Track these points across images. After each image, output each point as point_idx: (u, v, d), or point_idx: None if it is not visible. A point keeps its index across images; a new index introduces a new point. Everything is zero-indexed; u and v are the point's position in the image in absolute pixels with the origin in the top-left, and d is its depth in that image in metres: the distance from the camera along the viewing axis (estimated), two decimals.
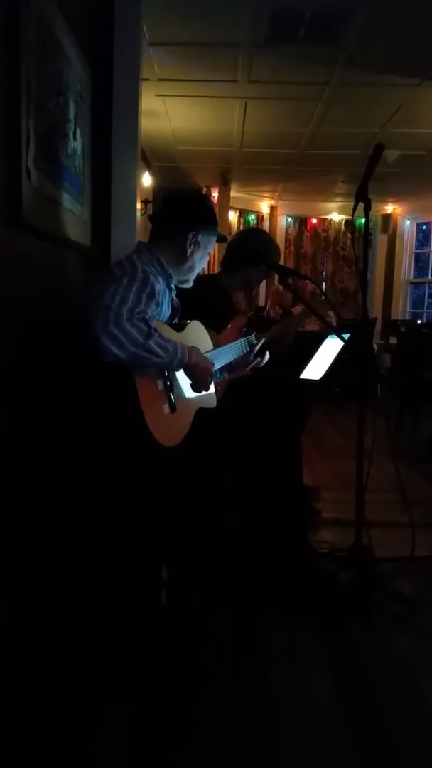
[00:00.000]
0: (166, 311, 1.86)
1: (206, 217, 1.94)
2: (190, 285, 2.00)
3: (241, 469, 2.19)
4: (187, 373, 1.78)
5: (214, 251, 2.50)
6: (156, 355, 1.55)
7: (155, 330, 1.56)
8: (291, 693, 1.58)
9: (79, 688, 1.53)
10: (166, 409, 1.67)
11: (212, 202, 2.07)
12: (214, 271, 4.56)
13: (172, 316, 1.93)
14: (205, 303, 2.14)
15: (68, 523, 1.95)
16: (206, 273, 2.11)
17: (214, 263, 5.90)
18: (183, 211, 1.92)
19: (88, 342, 1.49)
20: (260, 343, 2.31)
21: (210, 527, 1.99)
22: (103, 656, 1.66)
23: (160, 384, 1.66)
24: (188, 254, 1.89)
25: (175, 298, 1.94)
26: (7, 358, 1.64)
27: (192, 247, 1.89)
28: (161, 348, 1.56)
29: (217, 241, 2.02)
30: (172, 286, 1.92)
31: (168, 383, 1.69)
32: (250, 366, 2.30)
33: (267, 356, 2.35)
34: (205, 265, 2.02)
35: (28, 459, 1.80)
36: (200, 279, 2.03)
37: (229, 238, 2.61)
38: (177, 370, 1.74)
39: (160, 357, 1.57)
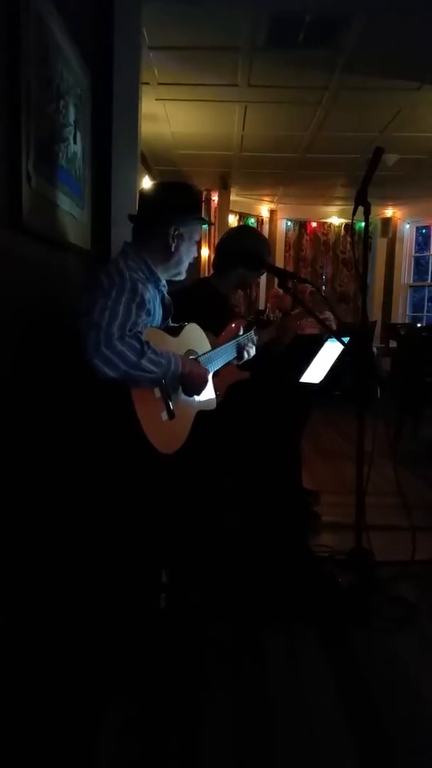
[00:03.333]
0: (158, 317, 1.84)
1: (185, 207, 1.86)
2: (183, 276, 1.95)
3: (240, 472, 2.19)
4: (182, 382, 1.75)
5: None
6: (149, 372, 1.53)
7: (148, 346, 1.53)
8: (291, 696, 1.57)
9: (78, 691, 1.53)
10: (164, 416, 1.65)
11: (192, 188, 2.00)
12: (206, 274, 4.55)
13: (164, 317, 1.91)
14: (200, 307, 2.13)
15: (68, 529, 1.94)
16: (199, 276, 2.12)
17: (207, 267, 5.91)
18: (160, 206, 1.85)
19: (82, 359, 1.47)
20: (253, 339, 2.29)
21: (209, 530, 1.99)
22: (102, 659, 1.66)
23: (156, 392, 1.64)
24: (173, 249, 1.83)
25: (166, 295, 1.90)
26: (5, 361, 1.64)
27: (176, 241, 1.83)
28: (154, 364, 1.54)
29: (203, 225, 1.97)
30: (163, 285, 1.88)
31: (165, 390, 1.67)
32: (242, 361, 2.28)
33: (253, 349, 2.31)
34: (194, 254, 1.96)
35: (27, 467, 1.80)
36: (194, 283, 2.00)
37: (219, 238, 2.60)
38: (171, 382, 1.71)
39: (153, 373, 1.55)
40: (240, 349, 2.22)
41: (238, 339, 2.20)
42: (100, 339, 1.46)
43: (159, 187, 1.92)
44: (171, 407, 1.67)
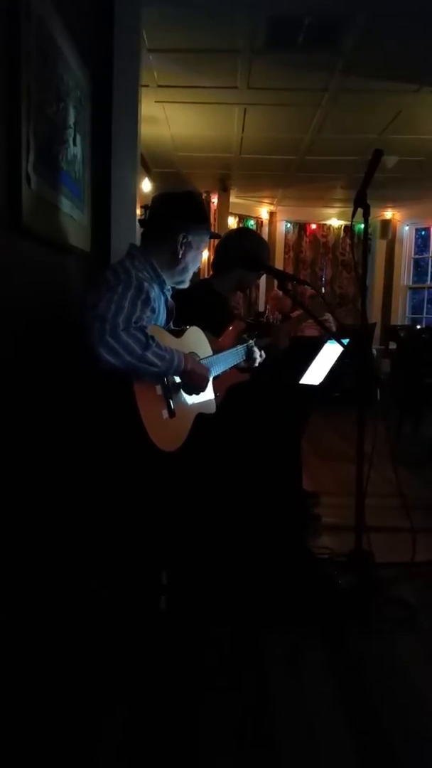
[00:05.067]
0: (162, 317, 1.85)
1: (196, 217, 1.91)
2: (186, 285, 1.99)
3: (240, 474, 2.19)
4: (183, 379, 1.77)
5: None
6: (153, 365, 1.54)
7: (152, 339, 1.55)
8: (291, 698, 1.57)
9: (79, 694, 1.53)
10: (165, 413, 1.66)
11: (202, 199, 2.05)
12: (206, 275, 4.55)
13: (167, 320, 1.92)
14: (200, 308, 2.13)
15: (68, 528, 1.94)
16: (199, 278, 2.12)
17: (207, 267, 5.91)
18: (171, 213, 1.89)
19: (86, 350, 1.49)
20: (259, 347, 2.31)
21: (210, 532, 1.99)
22: (103, 661, 1.65)
23: (158, 389, 1.65)
24: (180, 256, 1.87)
25: (169, 299, 1.93)
26: (7, 362, 1.64)
27: (183, 248, 1.87)
28: (158, 357, 1.55)
29: (210, 238, 2.01)
30: (167, 289, 1.91)
31: (167, 388, 1.69)
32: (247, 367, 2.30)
33: (261, 356, 2.34)
34: (199, 264, 2.00)
35: (27, 464, 1.80)
36: (194, 284, 2.01)
37: (219, 240, 2.60)
38: (173, 379, 1.73)
39: (157, 366, 1.56)
40: (244, 358, 2.25)
41: (238, 348, 2.22)
42: (105, 329, 1.47)
43: (171, 195, 1.95)
44: (172, 406, 1.68)
